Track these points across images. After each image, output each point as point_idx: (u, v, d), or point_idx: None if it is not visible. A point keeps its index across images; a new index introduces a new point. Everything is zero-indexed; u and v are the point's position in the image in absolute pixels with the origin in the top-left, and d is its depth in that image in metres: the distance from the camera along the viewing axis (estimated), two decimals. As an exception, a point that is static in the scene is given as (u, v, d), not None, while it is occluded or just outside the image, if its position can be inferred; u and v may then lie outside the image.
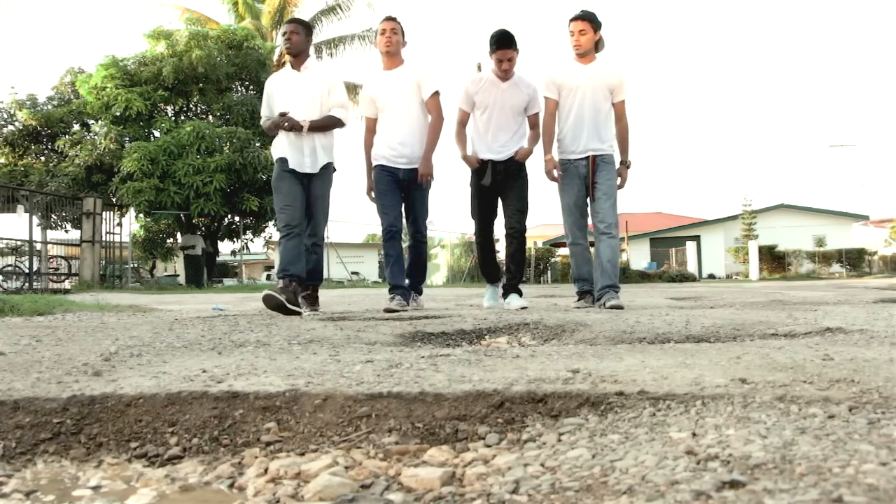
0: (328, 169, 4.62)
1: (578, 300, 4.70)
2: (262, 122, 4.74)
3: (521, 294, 4.66)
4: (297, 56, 4.56)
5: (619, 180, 4.62)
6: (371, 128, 4.79)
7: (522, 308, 4.34)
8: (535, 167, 5.39)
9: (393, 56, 4.67)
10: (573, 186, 4.62)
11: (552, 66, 4.80)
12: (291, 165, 4.47)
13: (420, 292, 4.90)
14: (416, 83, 4.66)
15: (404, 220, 4.77)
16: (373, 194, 4.73)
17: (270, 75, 4.85)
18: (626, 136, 4.70)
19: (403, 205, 4.73)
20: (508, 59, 4.57)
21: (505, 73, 4.62)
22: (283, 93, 4.57)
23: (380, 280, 28.65)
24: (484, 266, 5.08)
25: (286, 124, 4.42)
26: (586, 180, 4.57)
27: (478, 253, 5.12)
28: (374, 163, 4.69)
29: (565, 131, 4.62)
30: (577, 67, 4.60)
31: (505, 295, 4.70)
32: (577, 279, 4.78)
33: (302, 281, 4.35)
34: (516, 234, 4.73)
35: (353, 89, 21.09)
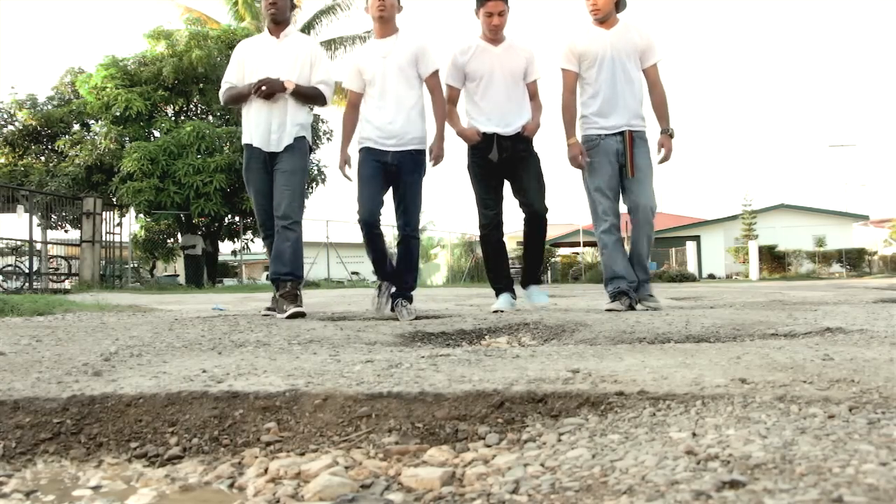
0: (301, 143, 4.07)
1: (613, 300, 3.88)
2: (221, 91, 4.15)
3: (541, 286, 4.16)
4: (280, 24, 4.06)
5: (661, 152, 3.98)
6: (354, 103, 4.08)
7: (543, 306, 4.00)
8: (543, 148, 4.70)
9: (386, 22, 3.95)
10: (604, 165, 3.95)
11: (569, 34, 4.14)
12: (256, 143, 4.00)
13: (410, 299, 4.02)
14: (412, 55, 3.94)
15: (387, 215, 4.15)
16: (346, 169, 4.04)
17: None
18: (665, 103, 4.05)
19: (394, 194, 4.02)
20: (499, 12, 3.95)
21: (496, 31, 4.01)
22: (259, 61, 4.01)
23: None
24: (494, 269, 4.33)
25: (263, 87, 3.88)
26: (620, 158, 3.94)
27: (484, 251, 4.36)
28: (360, 145, 4.00)
29: (593, 106, 3.99)
30: (598, 33, 3.97)
31: (525, 286, 4.27)
32: (611, 278, 3.96)
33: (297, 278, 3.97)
34: (537, 215, 4.11)
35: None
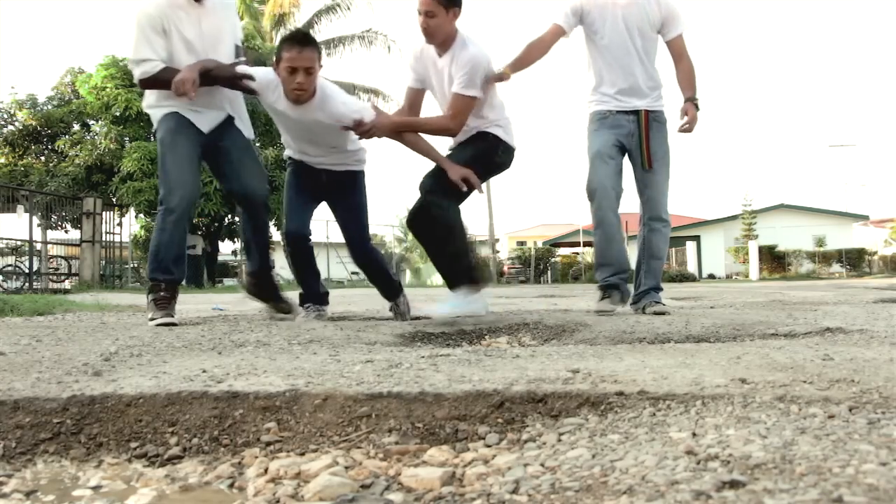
0: (245, 119, 3.67)
1: (602, 298, 3.48)
2: (143, 69, 3.24)
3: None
4: None
5: (683, 119, 3.49)
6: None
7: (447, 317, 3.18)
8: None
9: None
10: (606, 135, 3.50)
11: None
12: (193, 119, 3.38)
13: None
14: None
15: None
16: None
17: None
18: (693, 75, 3.58)
19: (334, 210, 3.67)
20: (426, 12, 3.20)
21: (428, 31, 3.23)
22: (189, 32, 3.28)
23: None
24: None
25: (240, 77, 3.28)
26: (632, 141, 3.51)
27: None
28: (286, 153, 3.67)
29: (602, 80, 3.54)
30: (609, 2, 3.51)
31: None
32: (601, 264, 3.55)
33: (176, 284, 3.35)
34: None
35: (352, 89, 21.09)
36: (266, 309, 3.87)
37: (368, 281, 3.87)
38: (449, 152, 3.46)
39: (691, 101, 3.51)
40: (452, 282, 3.38)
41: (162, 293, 3.25)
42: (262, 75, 3.32)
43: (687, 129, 3.50)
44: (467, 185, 3.27)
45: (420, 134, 3.42)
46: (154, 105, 3.47)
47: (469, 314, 3.20)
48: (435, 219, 3.35)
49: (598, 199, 3.48)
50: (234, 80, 3.36)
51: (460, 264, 3.39)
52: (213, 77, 3.30)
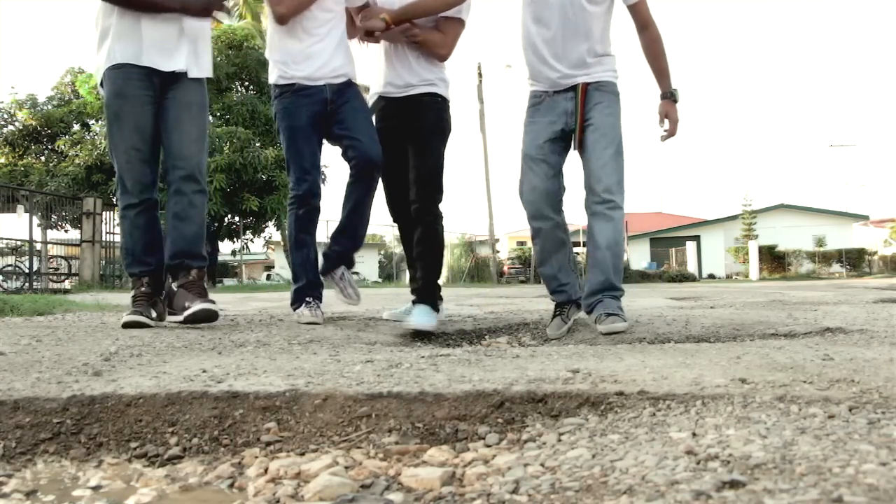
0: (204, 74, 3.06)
1: (554, 316, 2.93)
2: None
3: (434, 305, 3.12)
4: None
5: (665, 124, 2.92)
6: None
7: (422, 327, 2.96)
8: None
9: None
10: (543, 124, 2.91)
11: None
12: (151, 62, 2.86)
13: (352, 262, 3.37)
14: None
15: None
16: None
17: None
18: (663, 53, 2.92)
19: (331, 132, 3.15)
20: None
21: None
22: None
23: (380, 280, 28.64)
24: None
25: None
26: (570, 120, 2.87)
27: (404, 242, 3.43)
28: (280, 81, 3.11)
29: (532, 49, 2.93)
30: None
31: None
32: (548, 277, 2.99)
33: (164, 269, 2.98)
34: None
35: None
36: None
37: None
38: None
39: (668, 98, 2.92)
40: (431, 296, 3.15)
41: (143, 289, 2.95)
42: None
43: (671, 134, 2.95)
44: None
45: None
46: (100, 47, 2.94)
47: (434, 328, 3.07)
48: (439, 234, 3.24)
49: (532, 209, 2.96)
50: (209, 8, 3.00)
51: (437, 280, 3.28)
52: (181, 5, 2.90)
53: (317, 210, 3.14)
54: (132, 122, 2.87)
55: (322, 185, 3.18)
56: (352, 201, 3.13)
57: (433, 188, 3.18)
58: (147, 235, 2.98)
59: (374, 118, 3.19)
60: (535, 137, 2.94)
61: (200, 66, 3.02)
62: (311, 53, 3.05)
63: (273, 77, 3.14)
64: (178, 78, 2.96)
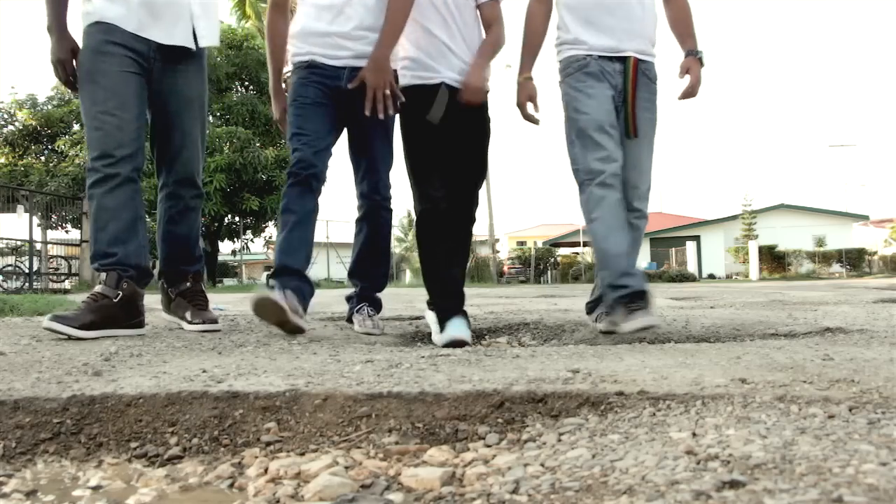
0: (203, 54, 2.70)
1: (633, 311, 2.37)
2: None
3: (466, 317, 2.67)
4: None
5: (686, 79, 2.64)
6: (280, 4, 2.79)
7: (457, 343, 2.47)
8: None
9: None
10: (602, 90, 2.57)
11: None
12: (145, 31, 2.43)
13: (378, 305, 2.94)
14: None
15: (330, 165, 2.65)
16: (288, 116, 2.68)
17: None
18: (690, 18, 2.74)
19: (351, 140, 2.78)
20: None
21: None
22: None
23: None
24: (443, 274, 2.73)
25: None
26: (618, 96, 2.60)
27: (427, 246, 2.74)
28: (295, 59, 2.69)
29: (575, 19, 2.63)
30: None
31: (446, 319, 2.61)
32: (611, 271, 2.50)
33: (147, 273, 2.59)
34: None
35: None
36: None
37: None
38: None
39: (693, 55, 2.67)
40: (460, 305, 2.70)
41: (97, 291, 2.43)
42: None
43: (690, 93, 2.66)
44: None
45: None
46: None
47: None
48: (469, 230, 2.83)
49: (596, 179, 2.54)
50: None
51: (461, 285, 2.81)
52: None
53: (309, 186, 2.56)
54: (109, 83, 2.37)
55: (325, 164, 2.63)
56: (362, 237, 2.85)
57: (477, 190, 2.81)
58: (115, 222, 2.42)
59: (438, 110, 2.61)
60: (602, 103, 2.57)
61: (207, 33, 2.59)
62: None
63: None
64: (178, 57, 2.54)
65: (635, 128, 2.61)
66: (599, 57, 2.60)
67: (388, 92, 2.55)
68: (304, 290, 2.54)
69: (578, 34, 2.64)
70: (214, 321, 2.75)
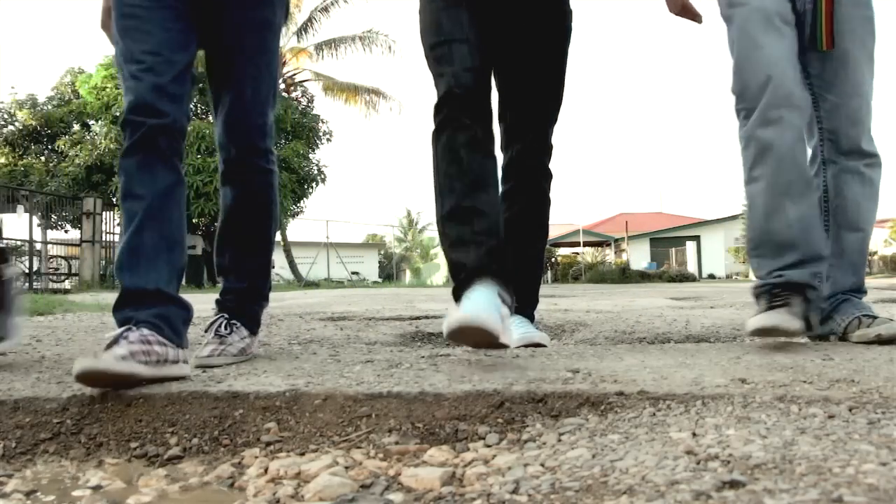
0: None
1: (768, 307, 1.76)
2: None
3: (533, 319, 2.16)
4: None
5: None
6: None
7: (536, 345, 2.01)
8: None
9: None
10: (772, 12, 1.78)
11: None
12: None
13: (253, 320, 1.94)
14: None
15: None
16: (113, 27, 1.71)
17: None
18: None
19: (209, 62, 2.00)
20: None
21: None
22: None
23: (380, 280, 28.62)
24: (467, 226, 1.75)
25: None
26: (807, 17, 1.82)
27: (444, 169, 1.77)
28: None
29: None
30: None
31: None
32: (762, 242, 1.84)
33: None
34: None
35: (353, 89, 21.09)
36: None
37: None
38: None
39: None
40: (535, 299, 2.15)
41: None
42: None
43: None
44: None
45: None
46: None
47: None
48: (545, 199, 2.07)
49: (770, 114, 1.75)
50: None
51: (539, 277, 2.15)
52: None
53: (154, 147, 1.62)
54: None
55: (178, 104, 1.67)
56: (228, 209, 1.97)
57: (550, 131, 1.99)
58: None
59: None
60: (767, 17, 1.79)
61: None
62: None
63: None
64: None
65: (830, 34, 1.77)
66: None
67: None
68: (171, 314, 1.60)
69: None
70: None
